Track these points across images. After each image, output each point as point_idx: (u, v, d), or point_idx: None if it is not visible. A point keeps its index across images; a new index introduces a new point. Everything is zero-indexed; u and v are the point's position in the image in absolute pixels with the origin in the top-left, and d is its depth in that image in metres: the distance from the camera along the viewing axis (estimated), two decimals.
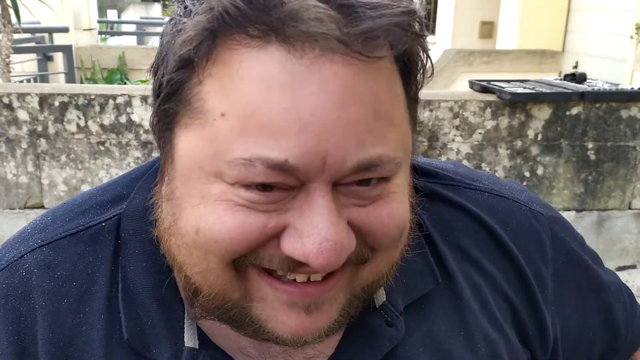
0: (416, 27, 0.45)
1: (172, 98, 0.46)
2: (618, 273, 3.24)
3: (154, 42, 9.38)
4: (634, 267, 3.24)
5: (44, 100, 2.78)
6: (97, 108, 2.83)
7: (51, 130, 2.82)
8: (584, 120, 2.92)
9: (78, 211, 0.58)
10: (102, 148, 2.89)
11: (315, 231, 0.44)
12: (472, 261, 0.61)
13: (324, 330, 0.50)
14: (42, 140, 2.84)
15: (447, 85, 6.28)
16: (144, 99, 2.89)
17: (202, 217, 0.46)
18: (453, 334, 0.59)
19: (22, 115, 2.79)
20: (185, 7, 0.46)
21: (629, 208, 3.16)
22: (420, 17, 0.45)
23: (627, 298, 0.75)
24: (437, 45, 11.00)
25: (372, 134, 0.44)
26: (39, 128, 2.81)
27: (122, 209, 0.57)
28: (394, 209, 0.48)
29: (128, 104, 2.87)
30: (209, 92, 0.44)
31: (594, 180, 3.04)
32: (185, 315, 0.54)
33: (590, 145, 2.97)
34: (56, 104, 2.79)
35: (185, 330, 0.53)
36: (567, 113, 2.90)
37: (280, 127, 0.42)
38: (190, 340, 0.53)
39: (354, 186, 0.46)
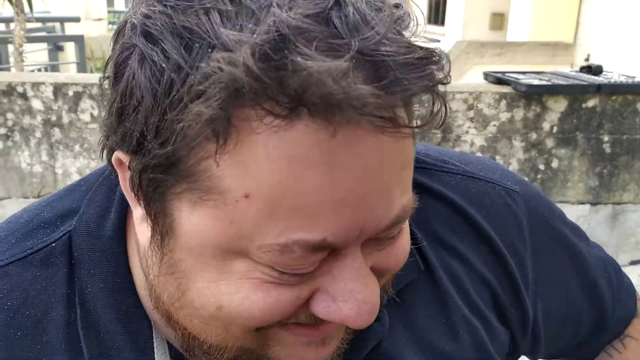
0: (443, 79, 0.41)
1: (166, 170, 0.40)
2: (632, 267, 3.21)
3: None
4: None
5: (58, 89, 2.78)
6: None
7: (65, 119, 2.82)
8: (600, 113, 2.90)
9: (24, 231, 0.53)
10: None
11: (351, 296, 0.42)
12: (448, 248, 0.60)
13: (337, 352, 0.50)
14: (56, 130, 2.84)
15: (458, 77, 6.24)
16: None
17: (224, 295, 0.42)
18: (434, 323, 0.58)
19: (37, 104, 2.80)
20: (167, 57, 0.38)
21: None
22: (446, 64, 0.41)
23: (613, 272, 0.73)
24: (447, 36, 10.94)
25: (399, 186, 0.42)
26: (53, 117, 2.82)
27: (72, 226, 0.52)
28: (405, 241, 0.47)
29: None
30: (224, 170, 0.38)
31: (609, 173, 3.02)
32: (154, 333, 0.51)
33: (605, 138, 2.95)
34: (70, 93, 2.79)
35: (155, 350, 0.50)
36: (583, 105, 2.87)
37: (315, 207, 0.39)
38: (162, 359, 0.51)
39: (378, 237, 0.44)
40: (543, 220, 0.66)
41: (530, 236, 0.64)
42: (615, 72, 3.21)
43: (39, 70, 5.42)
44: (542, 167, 2.98)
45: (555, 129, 2.90)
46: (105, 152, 0.47)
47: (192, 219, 0.41)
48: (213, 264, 0.42)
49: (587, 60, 6.38)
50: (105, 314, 0.50)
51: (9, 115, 2.81)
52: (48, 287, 0.51)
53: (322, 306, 0.43)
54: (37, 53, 5.88)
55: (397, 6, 0.41)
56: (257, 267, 0.41)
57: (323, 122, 0.37)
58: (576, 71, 3.20)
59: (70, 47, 6.20)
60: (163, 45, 0.39)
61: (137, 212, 0.45)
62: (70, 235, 0.52)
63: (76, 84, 2.78)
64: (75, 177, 2.92)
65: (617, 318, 0.73)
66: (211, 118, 0.37)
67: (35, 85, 2.77)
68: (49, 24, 6.47)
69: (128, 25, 0.42)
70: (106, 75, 0.44)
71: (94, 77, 3.04)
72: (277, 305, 0.42)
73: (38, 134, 2.85)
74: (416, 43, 0.39)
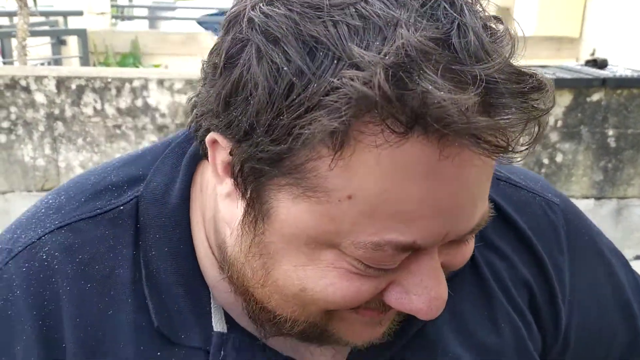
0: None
1: (272, 164, 0.42)
2: (636, 262, 3.20)
3: (167, 26, 9.37)
4: None
5: (61, 83, 2.78)
6: (114, 91, 2.83)
7: (68, 113, 2.82)
8: (605, 107, 2.88)
9: (93, 192, 0.56)
10: (118, 132, 2.90)
11: (425, 291, 0.46)
12: (492, 247, 0.62)
13: (387, 332, 0.53)
14: (59, 123, 2.84)
15: None
16: (160, 82, 2.88)
17: (309, 279, 0.45)
18: (478, 315, 0.60)
19: (40, 98, 2.80)
20: (289, 60, 0.40)
21: None
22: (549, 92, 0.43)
23: None
24: None
25: (482, 197, 0.45)
26: (56, 111, 2.82)
27: (139, 192, 0.56)
28: (472, 243, 0.50)
29: (144, 87, 2.86)
30: (332, 172, 0.41)
31: (613, 167, 3.01)
32: (212, 299, 0.53)
33: (610, 132, 2.93)
34: (73, 87, 2.79)
35: (212, 314, 0.53)
36: (588, 99, 2.86)
37: (413, 214, 0.42)
38: (218, 324, 0.53)
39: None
40: (581, 234, 0.67)
41: (568, 249, 0.65)
42: (621, 65, 3.19)
43: (42, 64, 5.43)
44: (546, 161, 2.96)
45: (559, 123, 2.89)
46: (193, 126, 0.50)
47: (291, 210, 0.43)
48: (303, 251, 0.45)
49: (592, 54, 6.33)
50: (168, 276, 0.53)
51: (12, 109, 2.81)
52: (115, 246, 0.54)
53: (395, 297, 0.47)
54: (40, 47, 5.89)
55: (497, 19, 0.43)
56: (345, 258, 0.44)
57: (435, 140, 0.39)
58: (581, 65, 3.18)
59: (73, 41, 6.20)
60: (285, 48, 0.40)
61: (223, 188, 0.48)
62: (138, 200, 0.55)
63: (79, 78, 2.78)
64: (78, 171, 2.92)
65: None
66: (334, 130, 0.39)
67: (39, 79, 2.77)
68: (52, 18, 6.47)
69: (244, 18, 0.43)
70: (211, 61, 0.46)
71: (96, 71, 3.04)
72: (357, 293, 0.45)
73: (41, 128, 2.85)
74: (523, 69, 0.41)
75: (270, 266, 0.47)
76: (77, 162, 2.92)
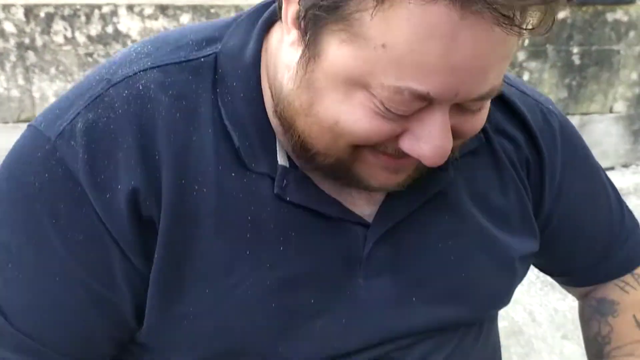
0: None
1: (329, 12, 0.52)
2: None
3: None
4: (612, 168, 3.37)
5: (30, 11, 2.75)
6: (83, 18, 2.81)
7: (38, 42, 2.81)
8: (571, 25, 2.94)
9: (176, 45, 0.65)
10: (90, 60, 2.90)
11: (431, 140, 0.55)
12: (502, 133, 0.72)
13: (402, 183, 0.63)
14: (30, 53, 2.83)
15: None
16: (129, 8, 2.86)
17: (343, 114, 0.55)
18: (490, 182, 0.71)
19: (8, 27, 2.77)
20: None
21: (610, 112, 3.24)
22: None
23: (627, 210, 0.83)
24: None
25: (495, 70, 0.52)
26: (26, 40, 2.80)
27: (217, 49, 0.64)
28: (482, 117, 0.59)
29: (114, 13, 2.84)
30: (373, 22, 0.50)
31: (577, 85, 3.10)
32: (277, 141, 0.63)
33: (575, 50, 3.01)
34: (42, 15, 2.76)
35: (277, 152, 0.63)
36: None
37: (432, 68, 0.50)
38: (282, 159, 0.63)
39: (464, 104, 0.55)
40: (573, 142, 0.78)
41: (562, 151, 0.75)
42: None
43: None
44: None
45: (526, 42, 2.94)
46: None
47: (337, 52, 0.53)
48: (341, 89, 0.54)
49: None
50: (242, 117, 0.62)
51: None
52: (197, 89, 0.62)
53: (407, 143, 0.56)
54: None
55: None
56: (372, 100, 0.53)
57: (459, 7, 0.48)
58: None
59: None
60: None
61: (290, 37, 0.57)
62: (216, 55, 0.64)
63: (47, 5, 2.75)
64: (53, 101, 2.92)
65: (629, 248, 0.82)
66: None
67: (6, 7, 2.74)
68: None
69: None
70: None
71: None
72: (377, 131, 0.55)
73: (13, 58, 2.84)
74: None
75: (314, 99, 0.56)
76: (51, 92, 2.93)
